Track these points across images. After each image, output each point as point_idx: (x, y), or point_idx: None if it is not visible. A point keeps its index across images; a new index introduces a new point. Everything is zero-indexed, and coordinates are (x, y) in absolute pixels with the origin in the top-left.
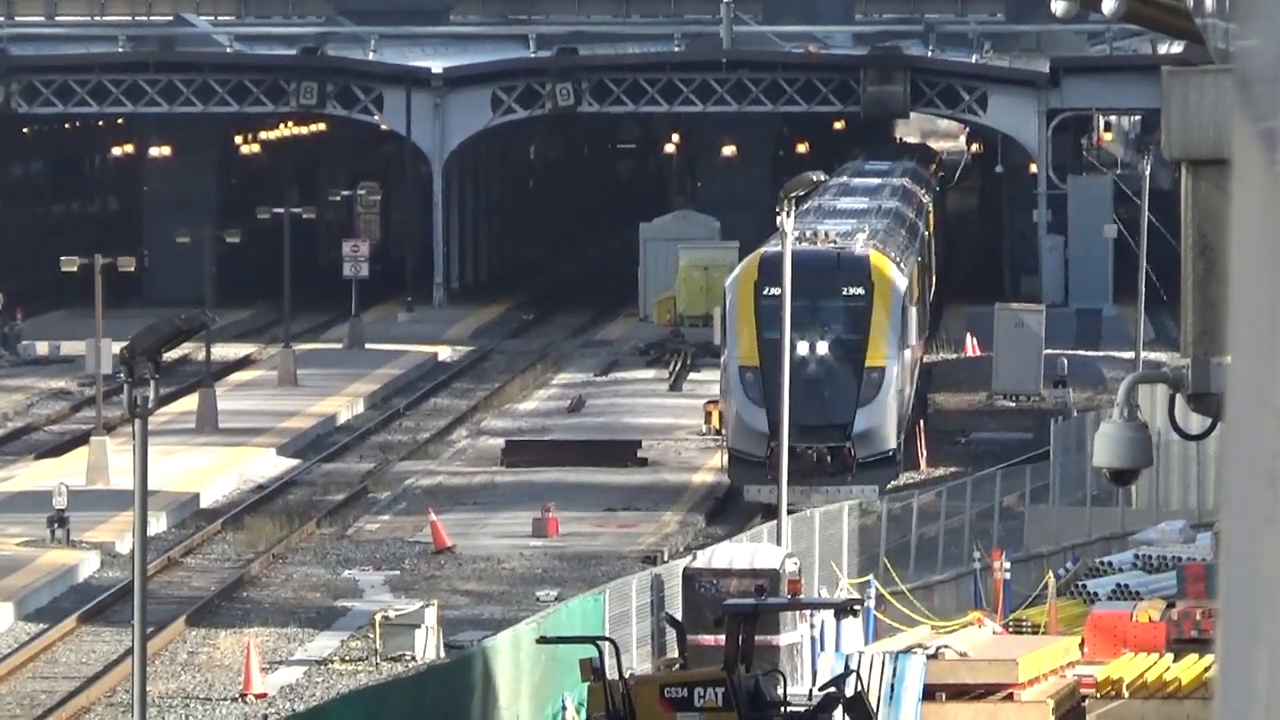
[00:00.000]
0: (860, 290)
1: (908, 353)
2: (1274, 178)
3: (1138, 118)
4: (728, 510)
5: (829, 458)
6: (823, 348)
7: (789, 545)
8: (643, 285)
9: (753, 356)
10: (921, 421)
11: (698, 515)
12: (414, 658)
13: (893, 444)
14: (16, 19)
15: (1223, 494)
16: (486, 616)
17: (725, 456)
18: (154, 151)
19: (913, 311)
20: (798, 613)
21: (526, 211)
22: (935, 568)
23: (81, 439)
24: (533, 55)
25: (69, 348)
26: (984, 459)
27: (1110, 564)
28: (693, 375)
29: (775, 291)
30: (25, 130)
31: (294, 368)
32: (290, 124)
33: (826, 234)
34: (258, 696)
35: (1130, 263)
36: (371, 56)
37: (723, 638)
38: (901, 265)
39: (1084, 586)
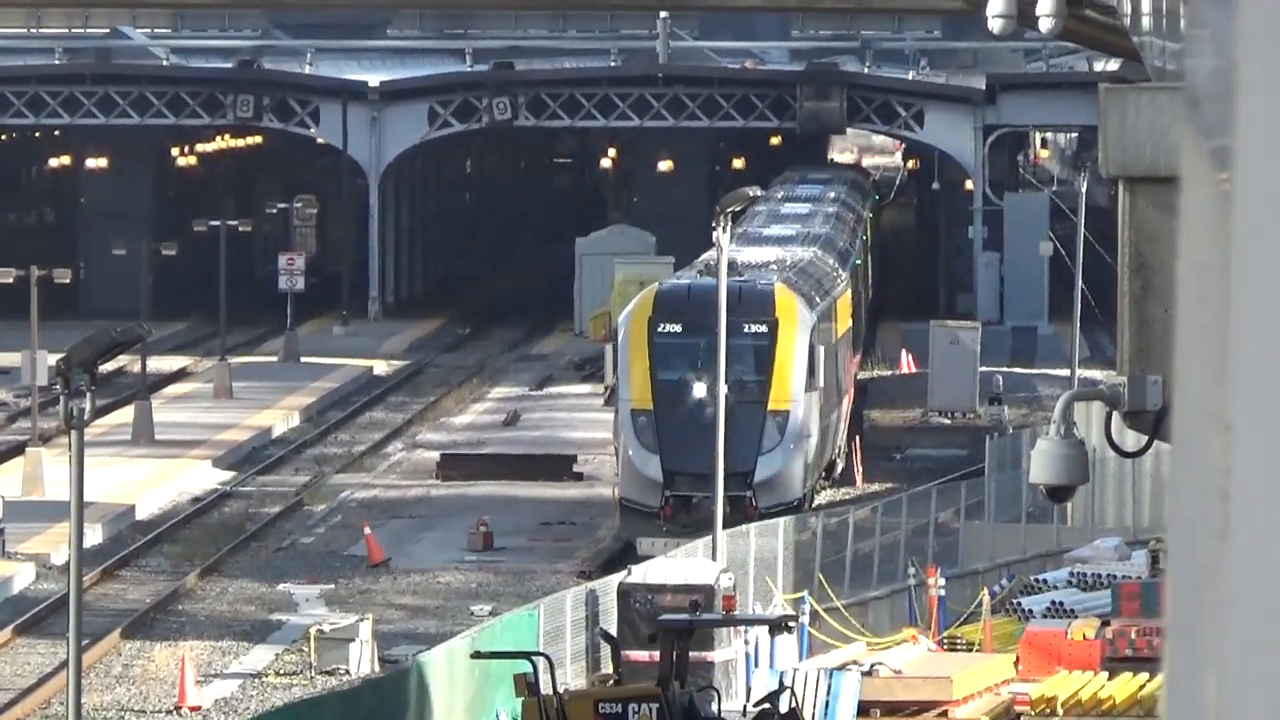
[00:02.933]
0: (763, 327)
1: (815, 395)
2: (1222, 195)
3: (1074, 135)
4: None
5: (728, 508)
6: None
7: (724, 561)
8: (578, 300)
9: (645, 399)
10: (858, 438)
11: None
12: (349, 672)
13: (799, 492)
14: None
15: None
16: (421, 631)
17: (616, 507)
18: (90, 163)
19: (821, 351)
20: (732, 629)
21: (463, 225)
22: (870, 584)
23: (17, 450)
24: (469, 69)
25: (4, 359)
26: (919, 475)
27: (1045, 581)
28: None
29: (671, 328)
30: None
31: (230, 380)
32: (227, 136)
33: (733, 263)
34: (192, 709)
35: (1066, 280)
36: (308, 70)
37: (657, 653)
38: (817, 297)
39: (1019, 604)
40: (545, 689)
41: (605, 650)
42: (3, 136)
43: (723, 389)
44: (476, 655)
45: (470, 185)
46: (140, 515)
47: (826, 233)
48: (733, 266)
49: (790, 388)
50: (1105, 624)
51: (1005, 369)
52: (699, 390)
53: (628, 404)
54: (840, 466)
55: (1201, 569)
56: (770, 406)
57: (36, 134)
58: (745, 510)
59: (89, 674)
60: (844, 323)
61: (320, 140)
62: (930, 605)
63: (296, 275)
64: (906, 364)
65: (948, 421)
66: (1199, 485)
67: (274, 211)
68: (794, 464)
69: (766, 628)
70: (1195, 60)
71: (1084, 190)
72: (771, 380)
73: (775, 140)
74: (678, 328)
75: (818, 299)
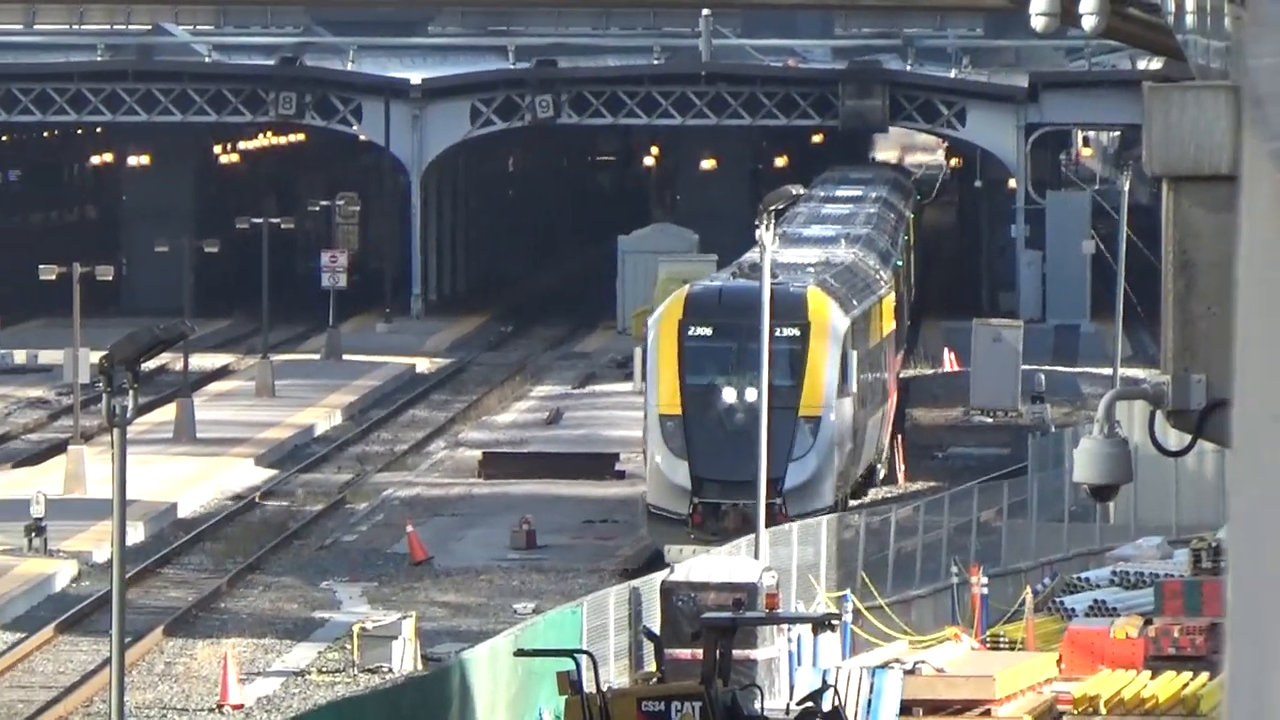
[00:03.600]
0: (795, 331)
1: (848, 401)
2: None
3: (1116, 133)
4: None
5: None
6: (752, 394)
7: (767, 559)
8: (621, 298)
9: (674, 404)
10: (900, 436)
11: None
12: (391, 669)
13: (830, 500)
14: None
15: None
16: (464, 629)
17: (644, 513)
18: (132, 160)
19: (854, 355)
20: (775, 627)
21: (505, 223)
22: (913, 582)
23: (59, 448)
24: (512, 67)
25: (47, 356)
26: (961, 474)
27: (1087, 580)
28: None
29: (702, 332)
30: (3, 138)
31: (272, 378)
32: (269, 134)
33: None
34: (235, 707)
35: (1108, 279)
36: (350, 67)
37: (700, 652)
38: (854, 300)
39: (1061, 602)
40: (588, 687)
41: (648, 648)
42: (45, 133)
43: (765, 391)
44: (519, 653)
45: (512, 183)
46: (182, 513)
47: (867, 234)
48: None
49: (822, 393)
50: (1148, 623)
51: (1047, 367)
52: (729, 395)
53: (656, 409)
54: (883, 472)
55: (1265, 569)
56: (802, 412)
57: (79, 131)
58: (776, 518)
59: (131, 672)
60: (885, 325)
61: (362, 137)
62: (973, 604)
63: (339, 273)
64: (949, 362)
65: (990, 420)
66: (1261, 486)
67: (316, 209)
68: (825, 471)
69: (809, 626)
70: (1258, 61)
71: (1126, 189)
72: (803, 385)
73: (817, 138)
74: (708, 331)
75: (854, 302)
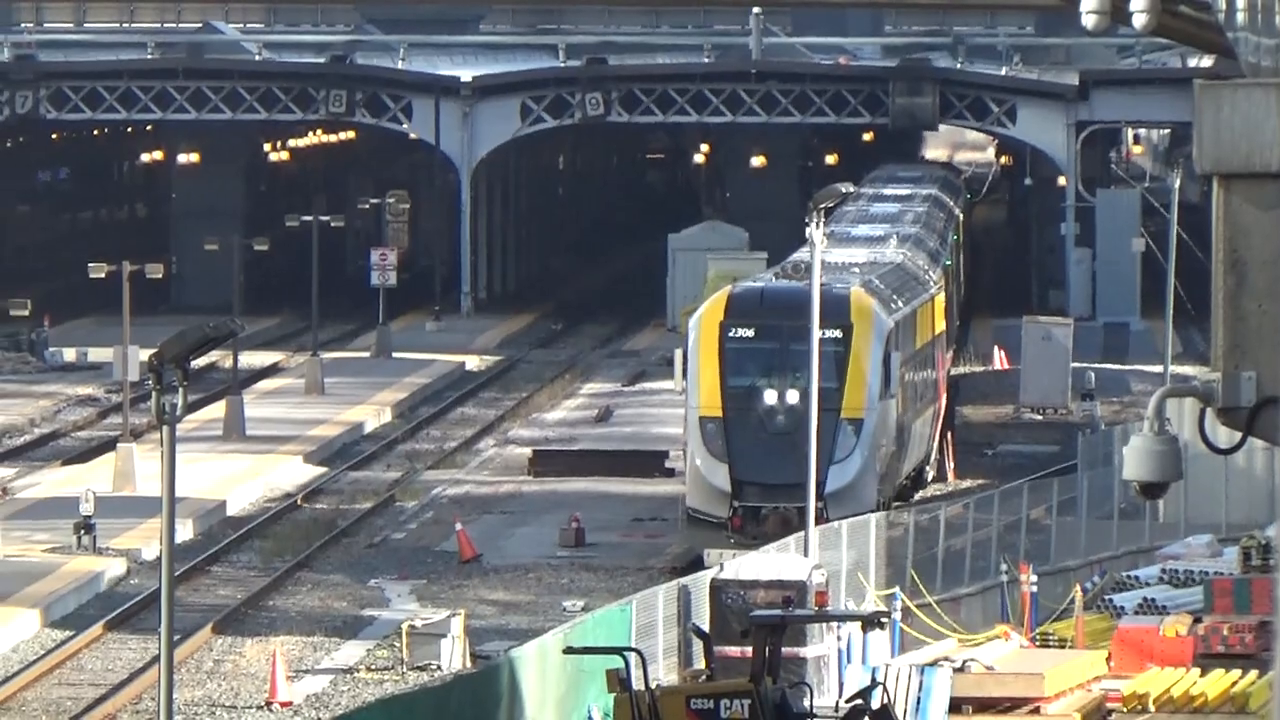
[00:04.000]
0: (838, 333)
1: (892, 403)
2: None
3: (1167, 131)
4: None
5: (797, 520)
6: (793, 396)
7: (816, 557)
8: (671, 295)
9: (715, 406)
10: (949, 434)
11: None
12: (440, 667)
13: (871, 503)
14: (45, 25)
15: None
16: (513, 626)
17: (683, 516)
18: (182, 158)
19: (897, 357)
20: (824, 625)
21: (554, 221)
22: (962, 580)
23: (108, 445)
24: (562, 65)
25: (96, 354)
26: (1011, 471)
27: (1137, 578)
28: None
29: (744, 333)
30: (54, 136)
31: (321, 376)
32: (319, 132)
33: (810, 268)
34: (283, 705)
35: (1158, 276)
36: (400, 65)
37: (749, 649)
38: (899, 301)
39: (1110, 600)
40: (637, 684)
41: (698, 646)
42: (95, 131)
43: (815, 393)
44: (569, 651)
45: (562, 181)
46: (231, 511)
47: (916, 233)
48: (809, 269)
49: (865, 395)
50: (1197, 620)
51: (1097, 365)
52: (770, 397)
53: (696, 411)
54: (931, 474)
55: None
56: (844, 414)
57: (129, 129)
58: (815, 522)
59: (180, 669)
60: (933, 325)
61: (413, 136)
62: (1022, 601)
63: (388, 271)
64: (999, 360)
65: (1039, 417)
66: None
67: (366, 207)
68: (867, 474)
69: (859, 624)
70: None
71: (1177, 186)
72: (845, 387)
73: (868, 136)
74: (750, 332)
75: (900, 302)
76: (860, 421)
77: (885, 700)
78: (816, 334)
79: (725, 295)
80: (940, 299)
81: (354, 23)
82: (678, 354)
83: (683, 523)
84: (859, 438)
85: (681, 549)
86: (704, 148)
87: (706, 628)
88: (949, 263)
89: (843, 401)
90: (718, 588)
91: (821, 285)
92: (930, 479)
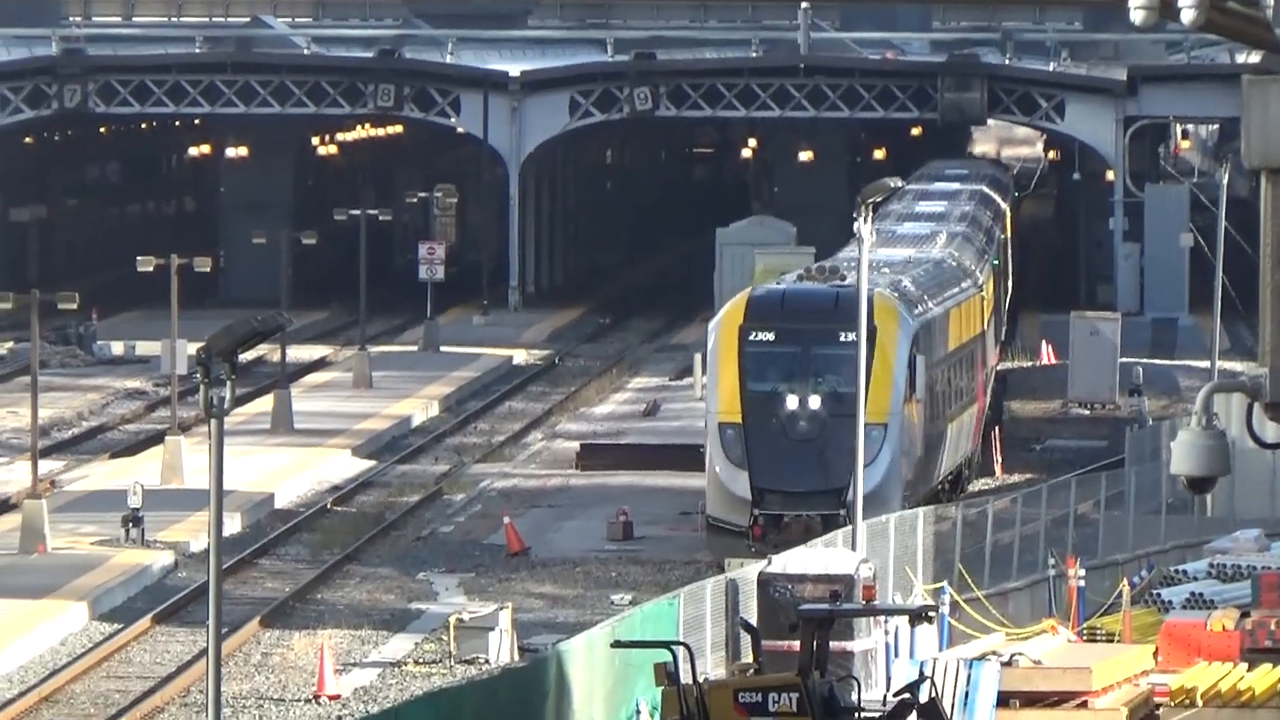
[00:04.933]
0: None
1: (916, 408)
2: None
3: (1215, 126)
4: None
5: (820, 528)
6: (815, 402)
7: (864, 551)
8: (718, 290)
9: (734, 412)
10: (997, 428)
11: None
12: (488, 661)
13: (896, 511)
14: (94, 19)
15: None
16: (561, 620)
17: (703, 525)
18: (230, 152)
19: (921, 361)
20: (872, 619)
21: (602, 215)
22: (1010, 574)
23: (156, 439)
24: (610, 59)
25: (144, 348)
26: (1059, 466)
27: (1185, 572)
28: None
29: (764, 336)
30: (102, 130)
31: (369, 370)
32: (367, 126)
33: (834, 269)
34: (331, 698)
35: (1206, 272)
36: (449, 59)
37: (797, 643)
38: (930, 303)
39: (1158, 595)
40: (685, 678)
41: (745, 640)
42: (144, 125)
43: (862, 395)
44: (616, 644)
45: (610, 175)
46: (279, 504)
47: (963, 231)
48: (835, 271)
49: (889, 399)
50: (1245, 615)
51: (1145, 360)
52: (791, 403)
53: (715, 416)
54: (971, 479)
55: None
56: (867, 419)
57: (177, 123)
58: (838, 528)
59: (228, 662)
60: (973, 324)
61: (461, 130)
62: (1070, 596)
63: (436, 265)
64: (1046, 355)
65: (1087, 412)
66: None
67: (414, 201)
68: (891, 481)
69: (906, 618)
70: None
71: (1225, 182)
72: (868, 392)
73: (916, 131)
74: (770, 336)
75: (932, 304)
76: (884, 426)
77: (933, 694)
78: (863, 332)
79: (745, 298)
80: (983, 297)
81: (402, 17)
82: (697, 358)
83: (703, 531)
84: (883, 443)
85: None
86: (752, 142)
87: (754, 622)
88: (996, 262)
89: (866, 406)
90: (766, 581)
91: (845, 288)
92: (971, 480)
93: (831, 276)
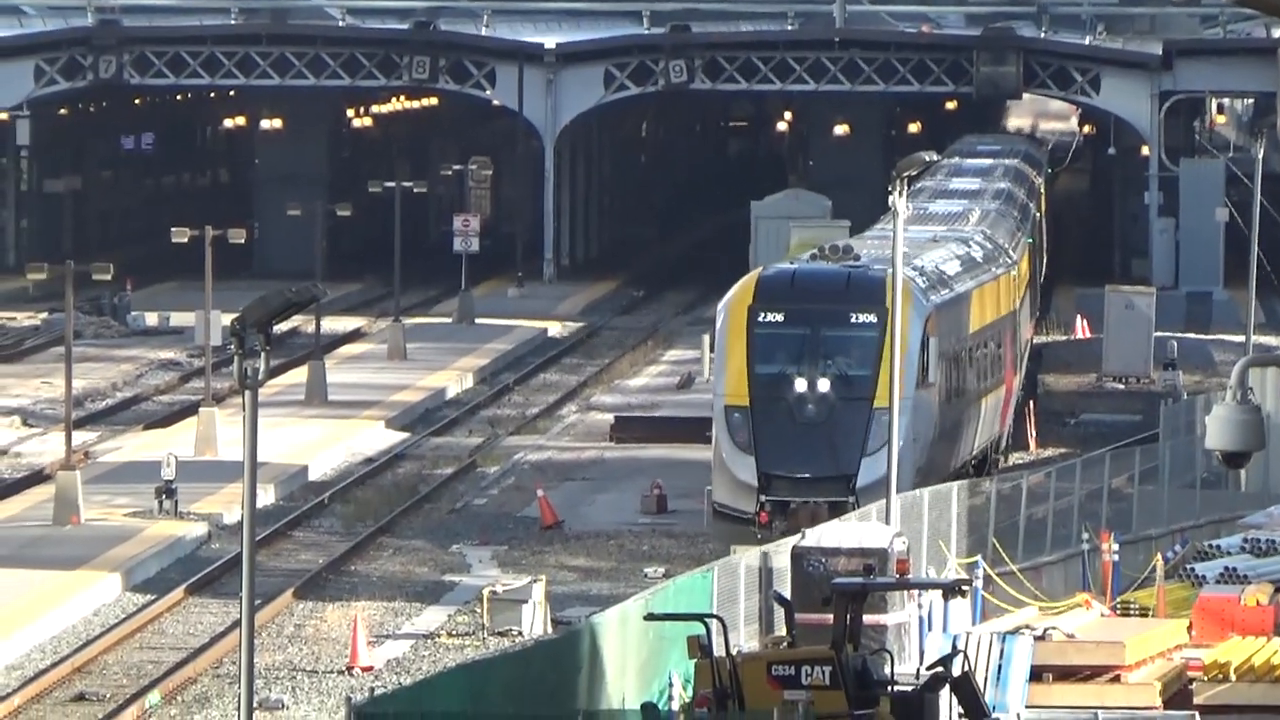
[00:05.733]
0: (872, 318)
1: (929, 393)
2: None
3: (1251, 101)
4: None
5: (828, 514)
6: (824, 385)
7: (898, 525)
8: (753, 263)
9: (741, 394)
10: (1031, 402)
11: None
12: (521, 633)
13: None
14: None
15: None
16: (594, 593)
17: (708, 510)
18: (265, 124)
19: (935, 343)
20: (906, 592)
21: (637, 188)
22: (1044, 549)
23: (190, 410)
24: (646, 32)
25: (178, 319)
26: (1093, 440)
27: (1219, 547)
28: None
29: (773, 318)
30: (137, 101)
31: (403, 341)
32: (402, 98)
33: (848, 249)
34: (364, 669)
35: (1241, 246)
36: (484, 32)
37: (831, 616)
38: (950, 283)
39: (1192, 569)
40: (718, 651)
41: (779, 613)
42: (178, 97)
43: (897, 378)
44: (650, 617)
45: (645, 148)
46: (313, 476)
47: (995, 209)
48: (849, 251)
49: (900, 384)
50: (1278, 590)
51: (1180, 334)
52: (800, 386)
53: (722, 399)
54: (996, 460)
55: None
56: (877, 404)
57: (212, 95)
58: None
59: (261, 634)
60: (1000, 304)
61: (496, 102)
62: (1104, 570)
63: (471, 237)
64: (1081, 329)
65: (1122, 386)
66: None
67: (449, 173)
68: (902, 467)
69: (940, 592)
70: None
71: (1260, 156)
72: (878, 375)
73: (951, 105)
74: (780, 317)
75: (952, 284)
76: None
77: (966, 668)
78: (898, 310)
79: (754, 279)
80: (1014, 277)
81: None
82: (704, 340)
83: (709, 518)
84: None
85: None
86: (787, 116)
87: (788, 594)
88: (1030, 240)
89: (876, 390)
90: (800, 555)
91: (856, 268)
92: (998, 464)
93: (845, 256)
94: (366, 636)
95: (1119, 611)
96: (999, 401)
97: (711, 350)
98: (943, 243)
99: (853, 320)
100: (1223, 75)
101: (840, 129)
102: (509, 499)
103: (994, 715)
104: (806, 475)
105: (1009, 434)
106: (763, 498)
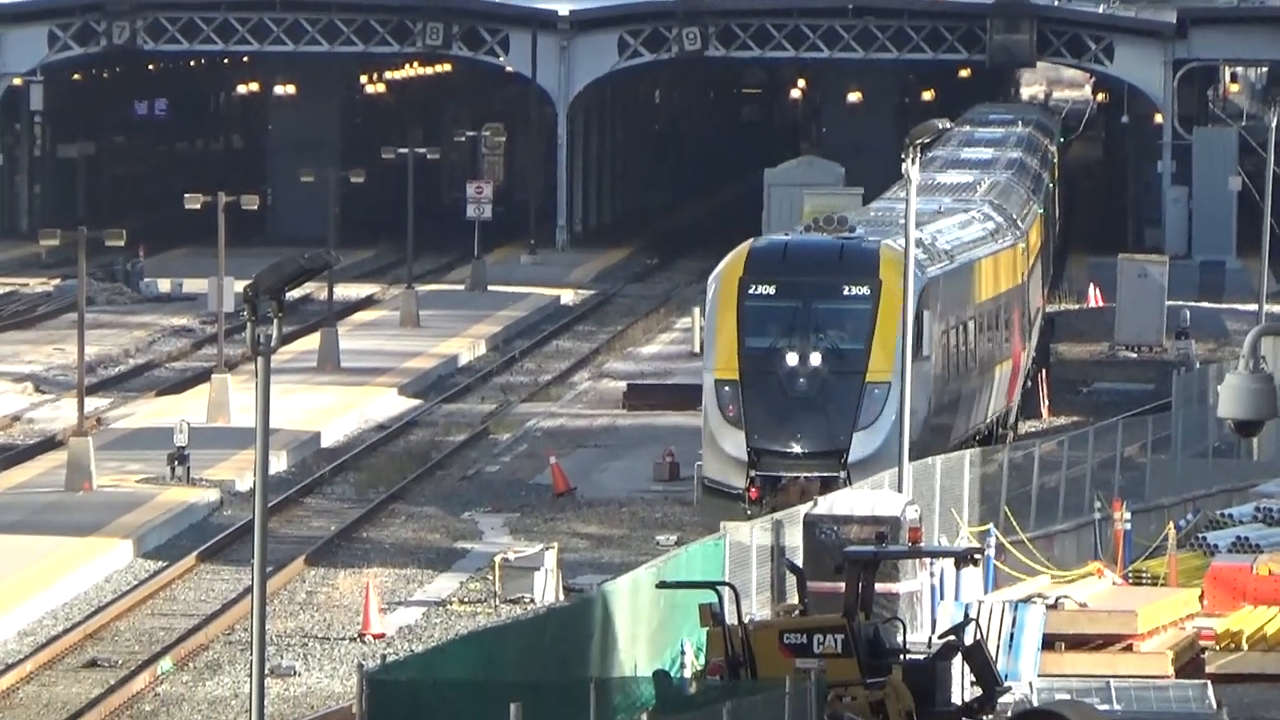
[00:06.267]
0: (865, 290)
1: (923, 366)
2: None
3: (1265, 69)
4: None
5: (819, 490)
6: (816, 359)
7: (910, 493)
8: (766, 230)
9: (731, 368)
10: (1044, 371)
11: None
12: (533, 600)
13: None
14: None
15: None
16: (606, 560)
17: (698, 486)
18: (279, 90)
19: (928, 316)
20: (918, 561)
21: (650, 155)
22: (1056, 517)
23: (202, 376)
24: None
25: (191, 285)
26: (1105, 409)
27: (1231, 516)
28: None
29: (764, 290)
30: (151, 68)
31: (416, 308)
32: (415, 65)
33: (843, 220)
34: (376, 637)
35: (1254, 215)
36: None
37: (843, 584)
38: (939, 259)
39: (1204, 539)
40: (730, 619)
41: (791, 581)
42: (192, 63)
43: (908, 352)
44: (662, 585)
45: (659, 115)
46: (325, 443)
47: (1005, 180)
48: (844, 222)
49: (892, 358)
50: None
51: (1193, 303)
52: (791, 359)
53: (711, 373)
54: (1002, 435)
55: None
56: (869, 378)
57: (225, 61)
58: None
59: (273, 600)
60: (1012, 275)
61: (509, 69)
62: (1116, 539)
63: (484, 204)
64: (1094, 297)
65: (1134, 355)
66: None
67: (462, 140)
68: (894, 443)
69: (952, 560)
70: None
71: (1274, 125)
72: (871, 349)
73: (964, 73)
74: (771, 289)
75: (953, 257)
76: (888, 385)
77: (978, 636)
78: (911, 281)
79: (745, 250)
80: (1023, 248)
81: None
82: (695, 312)
83: (698, 494)
84: (886, 403)
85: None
86: (800, 83)
87: (800, 563)
88: (1041, 210)
89: (868, 364)
90: (812, 523)
91: (850, 239)
92: (1008, 439)
93: (840, 228)
94: (378, 603)
95: (1131, 580)
96: (1005, 376)
97: (702, 322)
98: (948, 214)
99: (845, 293)
100: (1236, 43)
101: (853, 96)
102: (521, 466)
103: (1006, 684)
104: (797, 450)
105: (1018, 408)
106: (752, 473)
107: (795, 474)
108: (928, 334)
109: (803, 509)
